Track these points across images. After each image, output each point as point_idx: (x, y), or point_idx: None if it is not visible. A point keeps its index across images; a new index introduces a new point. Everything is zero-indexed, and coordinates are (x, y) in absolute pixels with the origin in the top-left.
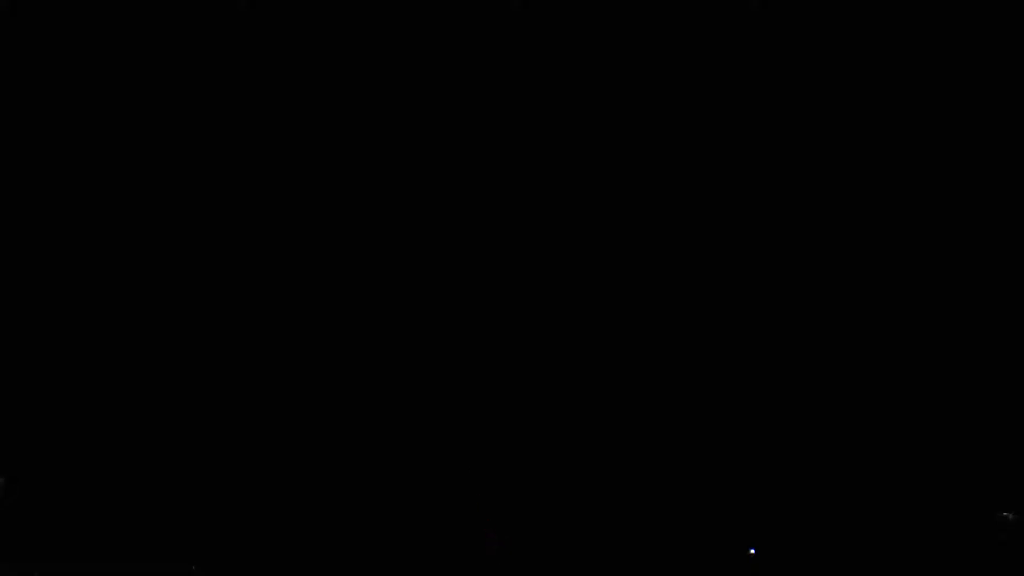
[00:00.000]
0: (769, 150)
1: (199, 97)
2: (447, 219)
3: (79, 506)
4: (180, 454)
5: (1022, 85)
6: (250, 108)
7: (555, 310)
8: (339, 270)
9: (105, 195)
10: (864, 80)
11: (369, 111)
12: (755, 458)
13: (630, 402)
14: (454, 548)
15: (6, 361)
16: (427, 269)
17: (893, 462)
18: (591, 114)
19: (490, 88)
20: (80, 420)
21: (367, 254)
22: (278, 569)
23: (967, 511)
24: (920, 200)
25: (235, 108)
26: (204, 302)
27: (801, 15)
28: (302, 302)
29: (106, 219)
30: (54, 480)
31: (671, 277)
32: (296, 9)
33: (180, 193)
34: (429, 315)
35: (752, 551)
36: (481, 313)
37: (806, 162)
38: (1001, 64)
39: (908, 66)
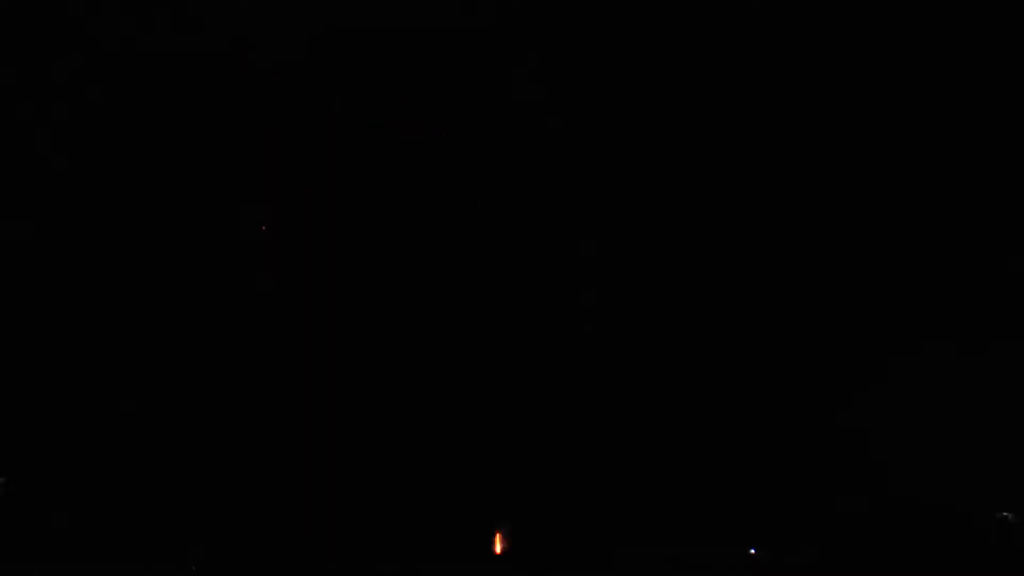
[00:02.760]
0: (763, 153)
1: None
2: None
3: (79, 506)
4: (180, 454)
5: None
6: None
7: (556, 309)
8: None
9: (110, 196)
10: (860, 81)
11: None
12: (755, 458)
13: (631, 401)
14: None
15: (6, 361)
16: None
17: (893, 462)
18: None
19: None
20: (80, 420)
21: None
22: (278, 569)
23: (967, 511)
24: (918, 200)
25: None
26: (200, 303)
27: (800, 16)
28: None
29: (106, 221)
30: (54, 480)
31: (667, 277)
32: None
33: (175, 196)
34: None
35: (752, 551)
36: (483, 314)
37: (801, 163)
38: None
39: (905, 67)
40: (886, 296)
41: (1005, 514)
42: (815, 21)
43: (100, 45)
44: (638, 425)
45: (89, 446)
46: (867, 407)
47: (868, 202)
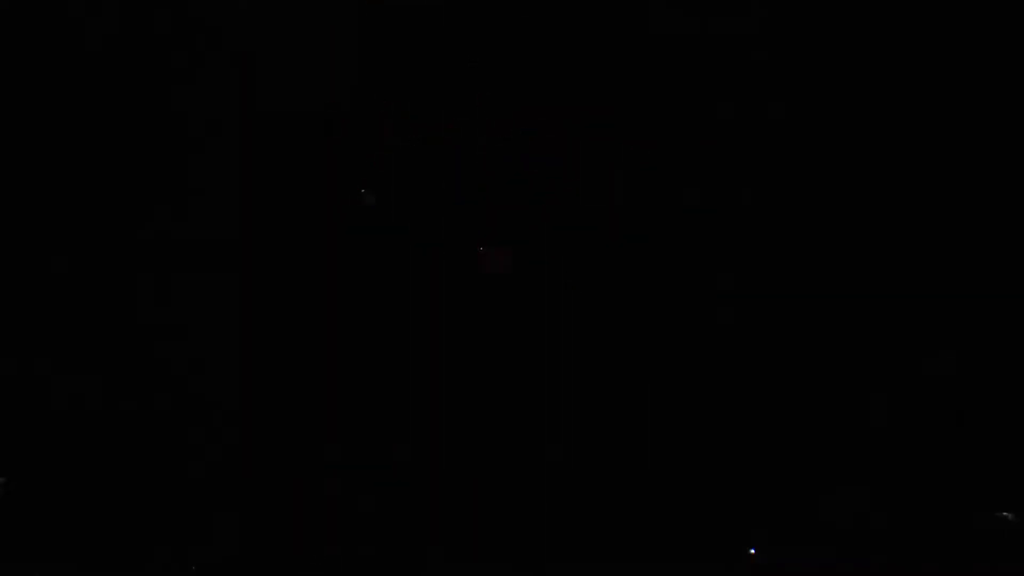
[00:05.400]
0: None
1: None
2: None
3: (79, 506)
4: (179, 455)
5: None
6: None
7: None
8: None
9: (107, 194)
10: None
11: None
12: (754, 458)
13: (630, 400)
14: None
15: (6, 360)
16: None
17: (893, 462)
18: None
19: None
20: (80, 420)
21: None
22: (278, 569)
23: (967, 511)
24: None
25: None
26: (201, 302)
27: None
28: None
29: (106, 220)
30: (54, 480)
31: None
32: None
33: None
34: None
35: (752, 551)
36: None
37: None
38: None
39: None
40: (888, 293)
41: (1005, 514)
42: None
43: None
44: (638, 425)
45: (89, 446)
46: (866, 406)
47: (872, 205)
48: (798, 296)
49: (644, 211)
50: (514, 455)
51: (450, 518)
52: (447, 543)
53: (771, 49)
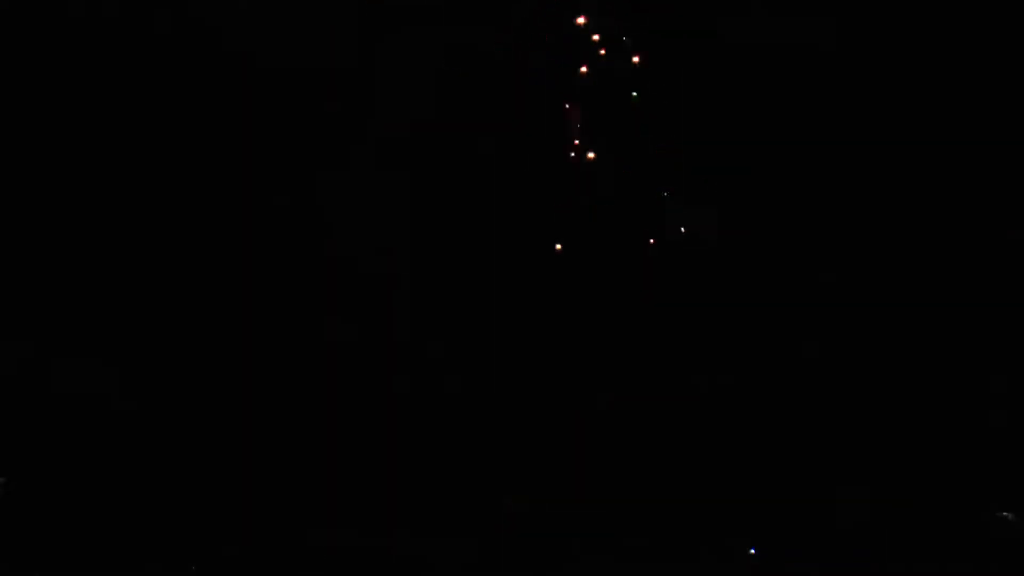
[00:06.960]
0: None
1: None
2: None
3: (79, 506)
4: (180, 455)
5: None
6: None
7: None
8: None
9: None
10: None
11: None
12: (755, 458)
13: (630, 400)
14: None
15: (6, 358)
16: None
17: (893, 462)
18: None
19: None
20: (80, 420)
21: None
22: (278, 569)
23: (967, 511)
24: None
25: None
26: (195, 301)
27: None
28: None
29: (105, 220)
30: (54, 480)
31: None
32: None
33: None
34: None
35: (752, 551)
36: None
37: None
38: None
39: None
40: (887, 294)
41: (1005, 514)
42: None
43: None
44: (638, 425)
45: (89, 446)
46: (866, 406)
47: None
48: (797, 296)
49: (644, 211)
50: (513, 454)
51: (450, 517)
52: (447, 542)
53: (770, 51)
